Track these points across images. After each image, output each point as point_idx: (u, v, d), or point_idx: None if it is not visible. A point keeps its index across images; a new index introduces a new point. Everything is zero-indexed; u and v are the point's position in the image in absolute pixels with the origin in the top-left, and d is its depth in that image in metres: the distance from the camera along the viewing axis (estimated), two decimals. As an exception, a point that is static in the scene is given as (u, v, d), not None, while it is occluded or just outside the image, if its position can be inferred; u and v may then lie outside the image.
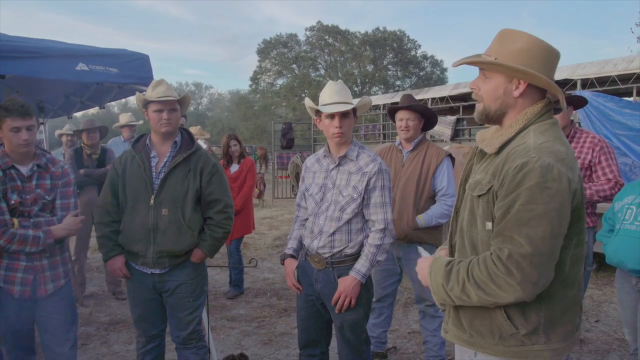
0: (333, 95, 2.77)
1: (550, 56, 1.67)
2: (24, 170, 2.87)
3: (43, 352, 3.05)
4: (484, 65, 1.74)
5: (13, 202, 2.79)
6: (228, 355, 3.94)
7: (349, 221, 2.78)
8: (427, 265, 1.82)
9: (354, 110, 2.81)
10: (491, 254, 1.61)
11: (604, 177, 3.38)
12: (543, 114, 1.70)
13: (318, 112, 2.83)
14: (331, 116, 2.76)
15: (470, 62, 1.74)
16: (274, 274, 6.97)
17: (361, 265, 2.76)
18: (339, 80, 2.87)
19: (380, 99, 13.22)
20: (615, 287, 6.04)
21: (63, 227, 2.90)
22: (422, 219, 3.60)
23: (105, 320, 5.09)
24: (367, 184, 2.78)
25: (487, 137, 1.80)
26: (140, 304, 3.10)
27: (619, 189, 3.33)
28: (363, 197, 2.78)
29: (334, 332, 3.04)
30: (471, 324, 1.77)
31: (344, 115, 2.76)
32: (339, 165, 2.85)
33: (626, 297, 3.08)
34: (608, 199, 3.35)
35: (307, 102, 2.86)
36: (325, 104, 2.77)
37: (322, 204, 2.84)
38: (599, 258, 6.61)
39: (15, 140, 2.78)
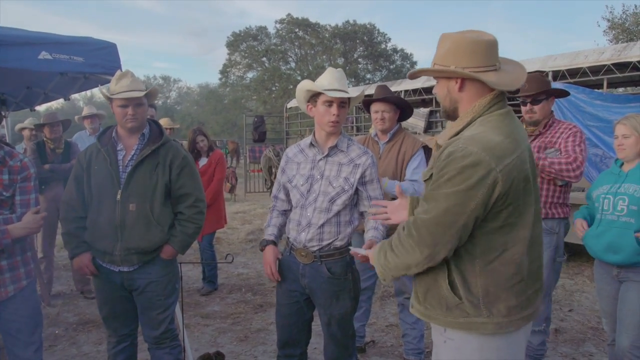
0: (334, 82, 2.65)
1: (478, 47, 1.76)
2: None
3: (7, 356, 2.89)
4: (418, 74, 1.98)
5: None
6: (204, 353, 3.83)
7: (338, 213, 2.70)
8: (372, 249, 2.03)
9: (349, 100, 2.73)
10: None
11: (565, 153, 3.34)
12: (492, 105, 1.80)
13: (312, 98, 2.72)
14: (329, 103, 2.65)
15: (410, 74, 2.01)
16: (248, 269, 6.87)
17: (372, 234, 2.68)
18: (339, 68, 2.76)
19: (352, 91, 13.17)
20: (586, 277, 6.18)
21: (22, 226, 2.68)
22: (387, 182, 3.44)
23: (74, 321, 4.92)
24: (362, 177, 2.72)
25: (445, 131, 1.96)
26: (109, 303, 2.97)
27: (578, 166, 3.26)
28: (355, 190, 2.72)
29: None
30: (425, 297, 1.90)
31: (341, 104, 2.67)
32: (327, 155, 2.76)
33: (606, 288, 3.07)
34: (563, 174, 3.24)
35: (307, 83, 2.72)
36: (327, 90, 2.64)
37: (310, 195, 2.74)
38: (570, 248, 6.72)
39: None
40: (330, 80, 2.67)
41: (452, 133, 1.84)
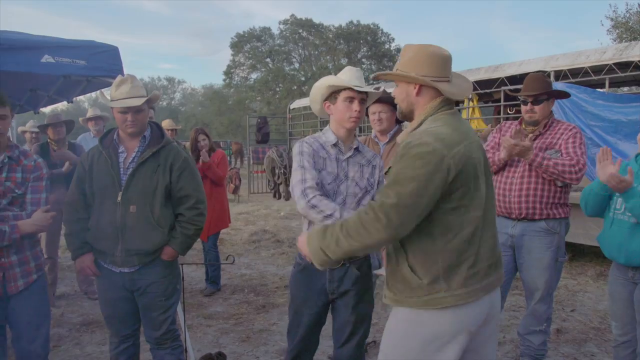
0: (354, 80, 2.64)
1: (435, 58, 2.03)
2: None
3: (13, 348, 2.95)
4: (383, 77, 2.19)
5: None
6: (205, 354, 3.85)
7: None
8: (305, 235, 2.13)
9: (366, 98, 2.74)
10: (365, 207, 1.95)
11: (566, 155, 3.35)
12: (442, 106, 2.05)
13: (332, 95, 2.67)
14: (350, 99, 2.63)
15: (375, 76, 2.23)
16: (251, 270, 6.90)
17: None
18: (358, 68, 2.76)
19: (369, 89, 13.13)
20: (589, 277, 6.18)
21: (32, 223, 2.79)
22: None
23: (78, 321, 4.95)
24: (378, 177, 2.78)
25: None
26: (111, 303, 3.00)
27: (580, 169, 3.26)
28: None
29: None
30: (393, 284, 2.07)
31: (362, 100, 2.66)
32: (350, 156, 2.75)
33: (619, 290, 3.02)
34: (565, 175, 3.25)
35: (330, 79, 2.68)
36: (354, 85, 2.61)
37: (337, 197, 2.69)
38: (573, 248, 6.72)
39: None
40: (350, 77, 2.66)
41: (409, 131, 2.09)
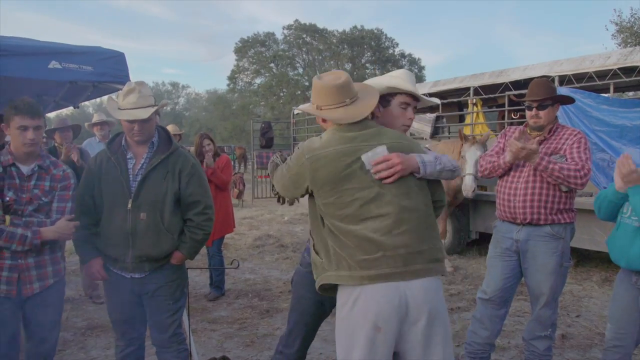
0: (412, 85, 2.52)
1: (330, 90, 2.34)
2: (25, 169, 2.87)
3: (23, 350, 2.99)
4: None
5: (8, 199, 2.78)
6: (210, 358, 3.87)
7: None
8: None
9: None
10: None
11: (571, 160, 3.34)
12: (337, 127, 2.38)
13: (385, 98, 2.52)
14: (406, 105, 2.52)
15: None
16: (255, 275, 6.90)
17: None
18: (412, 72, 2.65)
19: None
20: (594, 282, 6.16)
21: (54, 230, 2.83)
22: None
23: (83, 325, 4.97)
24: None
25: None
26: (119, 307, 3.02)
27: (585, 174, 3.27)
28: None
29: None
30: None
31: (414, 108, 2.58)
32: None
33: (622, 293, 3.03)
34: (570, 180, 3.23)
35: (390, 81, 2.54)
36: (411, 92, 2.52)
37: None
38: (578, 253, 6.70)
39: (22, 139, 2.79)
40: (405, 81, 2.53)
41: None
